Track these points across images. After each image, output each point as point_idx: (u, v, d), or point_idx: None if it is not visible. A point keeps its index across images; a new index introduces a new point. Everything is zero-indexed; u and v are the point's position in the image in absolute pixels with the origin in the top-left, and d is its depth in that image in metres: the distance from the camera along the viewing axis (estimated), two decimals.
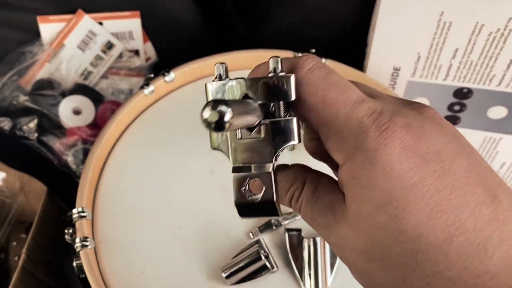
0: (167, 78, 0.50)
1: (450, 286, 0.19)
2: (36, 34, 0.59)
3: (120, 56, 0.63)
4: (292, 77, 0.22)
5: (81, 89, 0.58)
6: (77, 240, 0.39)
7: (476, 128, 0.58)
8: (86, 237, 0.40)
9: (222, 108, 0.17)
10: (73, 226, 0.41)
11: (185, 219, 0.43)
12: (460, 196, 0.19)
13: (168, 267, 0.40)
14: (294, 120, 0.22)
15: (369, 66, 0.54)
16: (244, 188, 0.22)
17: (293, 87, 0.22)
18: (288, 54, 0.54)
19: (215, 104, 0.17)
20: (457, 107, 0.56)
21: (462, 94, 0.54)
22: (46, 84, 0.58)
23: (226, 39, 0.65)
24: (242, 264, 0.40)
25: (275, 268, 0.40)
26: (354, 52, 0.55)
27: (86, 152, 0.56)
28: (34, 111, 0.56)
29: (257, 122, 0.22)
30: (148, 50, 0.64)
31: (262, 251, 0.40)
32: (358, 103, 0.21)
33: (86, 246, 0.39)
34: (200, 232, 0.42)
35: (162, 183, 0.45)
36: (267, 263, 0.39)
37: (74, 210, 0.41)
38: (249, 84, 0.22)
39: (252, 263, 0.40)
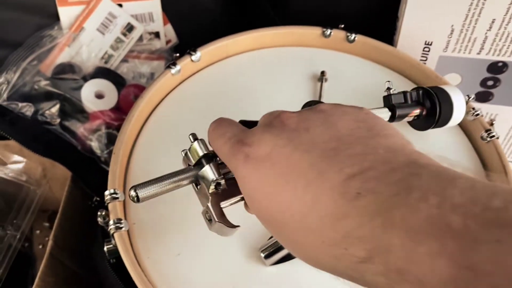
0: (193, 57, 0.49)
1: None
2: (55, 18, 0.58)
3: (141, 38, 0.61)
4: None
5: (103, 72, 0.57)
6: (111, 222, 0.38)
7: (509, 105, 0.56)
8: (120, 219, 0.38)
9: (133, 192, 0.32)
10: (106, 208, 0.40)
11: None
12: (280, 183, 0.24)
13: (204, 248, 0.39)
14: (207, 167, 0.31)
15: (399, 41, 0.52)
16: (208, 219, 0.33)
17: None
18: (316, 30, 0.52)
19: (133, 187, 0.32)
20: (490, 83, 0.54)
21: (496, 68, 0.53)
22: (67, 68, 0.57)
23: (247, 20, 0.63)
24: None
25: None
26: (384, 27, 0.53)
27: (110, 137, 0.55)
28: (56, 96, 0.55)
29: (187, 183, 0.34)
30: (168, 33, 0.63)
31: None
32: (226, 141, 0.29)
33: (121, 228, 0.38)
34: (236, 212, 0.41)
35: None
36: None
37: (106, 192, 0.40)
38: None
39: None
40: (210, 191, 0.32)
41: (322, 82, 0.50)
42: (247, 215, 0.40)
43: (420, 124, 0.43)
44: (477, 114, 0.46)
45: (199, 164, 0.32)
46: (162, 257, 0.39)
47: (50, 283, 0.49)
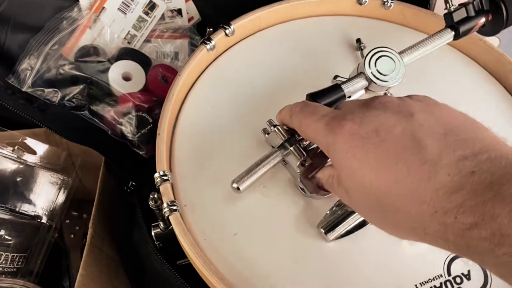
0: (227, 31, 0.47)
1: None
2: None
3: (162, 17, 0.59)
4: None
5: (128, 53, 0.55)
6: (164, 205, 0.37)
7: None
8: (173, 201, 0.37)
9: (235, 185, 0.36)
10: (157, 191, 0.38)
11: (268, 176, 0.40)
12: (391, 157, 0.27)
13: (261, 227, 0.38)
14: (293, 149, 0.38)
15: (437, 4, 0.51)
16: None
17: None
18: None
19: (233, 181, 0.36)
20: None
21: None
22: (90, 51, 0.54)
23: None
24: (341, 216, 0.37)
25: None
26: None
27: (140, 120, 0.53)
28: (82, 80, 0.53)
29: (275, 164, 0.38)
30: (190, 9, 0.61)
31: None
32: (320, 118, 0.31)
33: (175, 210, 0.37)
34: (287, 187, 0.40)
35: (235, 140, 0.42)
36: None
37: (156, 174, 0.38)
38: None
39: (351, 213, 0.37)
40: (298, 170, 0.37)
41: (361, 50, 0.48)
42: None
43: (489, 30, 0.42)
44: None
45: (283, 146, 0.37)
46: (219, 237, 0.37)
47: (93, 271, 0.48)
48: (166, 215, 0.37)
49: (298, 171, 0.37)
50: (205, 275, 0.35)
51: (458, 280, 0.37)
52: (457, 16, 0.40)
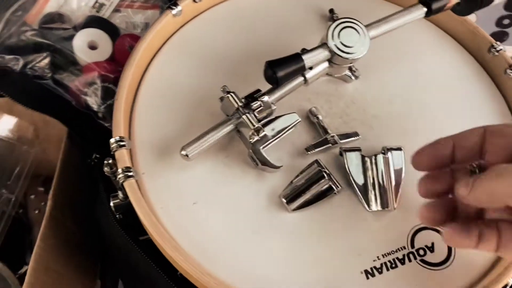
0: None
1: None
2: None
3: None
4: None
5: (95, 21, 0.53)
6: (119, 171, 0.35)
7: None
8: (129, 167, 0.36)
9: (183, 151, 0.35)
10: (112, 157, 0.37)
11: (231, 146, 0.39)
12: None
13: (222, 196, 0.37)
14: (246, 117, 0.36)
15: None
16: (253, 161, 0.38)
17: None
18: None
19: (182, 147, 0.35)
20: (506, 21, 0.52)
21: None
22: (55, 18, 0.52)
23: None
24: (303, 186, 0.36)
25: (339, 188, 0.36)
26: None
27: (106, 90, 0.51)
28: (46, 47, 0.51)
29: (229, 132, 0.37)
30: None
31: (325, 171, 0.36)
32: None
33: (131, 176, 0.35)
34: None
35: (198, 111, 0.41)
36: (331, 183, 0.36)
37: (112, 140, 0.37)
38: None
39: (313, 183, 0.36)
40: (251, 139, 0.36)
41: (333, 21, 0.46)
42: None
43: (462, 9, 0.41)
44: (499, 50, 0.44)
45: (236, 115, 0.36)
46: (177, 206, 0.36)
47: (51, 245, 0.47)
48: (121, 181, 0.35)
49: (250, 140, 0.36)
50: (159, 244, 0.33)
51: (421, 252, 0.36)
52: None
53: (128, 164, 0.36)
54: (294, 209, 0.36)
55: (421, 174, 0.33)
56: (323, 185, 0.36)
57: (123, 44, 0.53)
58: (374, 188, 0.37)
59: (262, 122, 0.37)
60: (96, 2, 0.55)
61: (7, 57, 0.50)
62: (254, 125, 0.35)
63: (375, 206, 0.37)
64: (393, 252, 0.35)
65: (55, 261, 0.46)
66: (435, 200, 0.32)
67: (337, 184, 0.36)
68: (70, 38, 0.51)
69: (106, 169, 0.36)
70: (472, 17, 0.52)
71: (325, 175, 0.36)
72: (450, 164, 0.32)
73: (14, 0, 0.52)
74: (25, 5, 0.52)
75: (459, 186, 0.29)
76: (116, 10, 0.57)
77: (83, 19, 0.53)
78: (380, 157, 0.38)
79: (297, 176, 0.37)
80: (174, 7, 0.44)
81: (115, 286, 0.59)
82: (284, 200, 0.36)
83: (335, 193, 0.36)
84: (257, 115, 0.37)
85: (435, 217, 0.32)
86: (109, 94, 0.51)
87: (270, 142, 0.37)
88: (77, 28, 0.53)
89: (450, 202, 0.32)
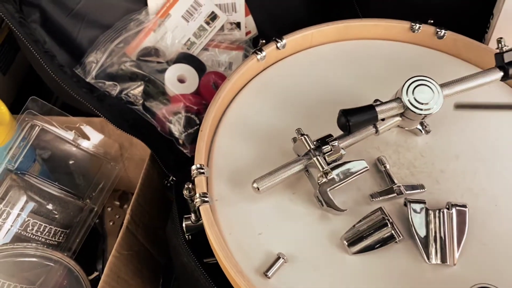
0: (279, 44, 0.49)
1: None
2: (143, 3, 0.60)
3: (222, 28, 0.62)
4: None
5: (186, 58, 0.58)
6: (197, 195, 0.39)
7: None
8: (205, 193, 0.39)
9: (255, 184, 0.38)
10: (192, 182, 0.40)
11: (299, 185, 0.42)
12: None
13: (285, 230, 0.39)
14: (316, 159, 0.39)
15: (492, 39, 0.50)
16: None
17: None
18: (404, 24, 0.51)
19: (254, 181, 0.38)
20: None
21: None
22: (152, 52, 0.58)
23: (329, 16, 0.63)
24: (365, 232, 0.38)
25: (401, 237, 0.37)
26: (474, 24, 0.52)
27: (189, 120, 0.56)
28: (141, 77, 0.57)
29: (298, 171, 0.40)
30: (248, 24, 0.64)
31: (388, 219, 0.38)
32: None
33: (206, 201, 0.39)
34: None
35: (271, 149, 0.44)
36: (393, 232, 0.37)
37: (193, 167, 0.41)
38: None
39: (376, 230, 0.38)
40: (319, 181, 0.38)
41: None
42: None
43: None
44: None
45: (307, 156, 0.39)
46: (244, 234, 0.39)
47: (124, 255, 0.51)
48: (197, 205, 0.39)
49: (318, 181, 0.38)
50: (225, 267, 0.36)
51: None
52: (508, 57, 0.39)
53: (205, 190, 0.40)
54: (355, 253, 0.38)
55: (484, 233, 0.34)
56: (385, 233, 0.37)
57: (208, 80, 0.58)
58: (435, 242, 0.38)
59: (331, 165, 0.39)
60: (188, 40, 0.61)
61: (107, 83, 0.56)
62: (323, 168, 0.38)
63: (435, 259, 0.37)
64: None
65: (125, 270, 0.50)
66: None
67: (399, 233, 0.38)
68: (163, 71, 0.57)
69: (185, 192, 0.40)
70: None
71: (388, 223, 0.37)
72: None
73: (119, 34, 0.59)
74: (127, 39, 0.59)
75: None
76: (205, 49, 0.62)
77: (176, 54, 0.59)
78: (444, 212, 0.39)
79: (360, 221, 0.38)
80: (259, 53, 0.48)
81: None
82: (346, 243, 0.38)
83: (396, 242, 0.37)
84: (326, 158, 0.39)
85: None
86: (190, 124, 0.56)
87: (337, 185, 0.39)
88: (169, 62, 0.58)
89: None
